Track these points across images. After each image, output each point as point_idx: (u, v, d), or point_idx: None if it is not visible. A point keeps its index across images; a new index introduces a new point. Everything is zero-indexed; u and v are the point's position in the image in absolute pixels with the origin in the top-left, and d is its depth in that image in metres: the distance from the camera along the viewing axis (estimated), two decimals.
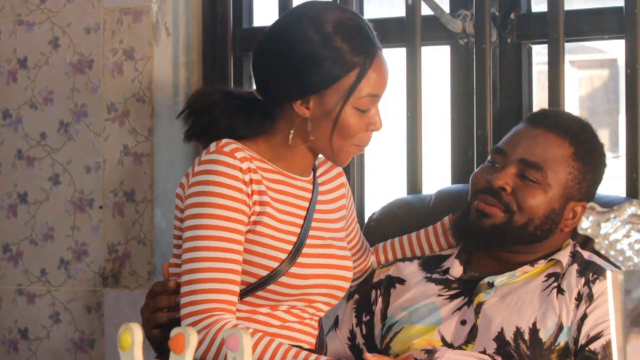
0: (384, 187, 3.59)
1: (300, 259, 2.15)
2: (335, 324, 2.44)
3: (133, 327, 1.53)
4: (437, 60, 3.03)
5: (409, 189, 2.82)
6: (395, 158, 3.06)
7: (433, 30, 2.84)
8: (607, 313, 2.16)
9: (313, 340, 2.24)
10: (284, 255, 2.13)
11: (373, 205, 2.80)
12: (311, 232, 2.20)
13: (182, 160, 3.13)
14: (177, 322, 2.10)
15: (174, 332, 1.53)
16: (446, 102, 2.88)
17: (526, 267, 2.28)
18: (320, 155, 2.25)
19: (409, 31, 2.81)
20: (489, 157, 2.34)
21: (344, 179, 2.35)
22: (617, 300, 1.20)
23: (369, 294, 2.41)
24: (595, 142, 2.32)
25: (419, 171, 2.81)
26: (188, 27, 3.14)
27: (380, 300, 2.38)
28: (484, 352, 2.18)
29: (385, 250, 2.47)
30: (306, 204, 2.21)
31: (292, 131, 2.15)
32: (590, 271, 2.22)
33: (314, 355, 2.01)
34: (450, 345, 2.21)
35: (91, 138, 3.12)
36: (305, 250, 2.17)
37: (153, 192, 3.06)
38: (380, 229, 2.54)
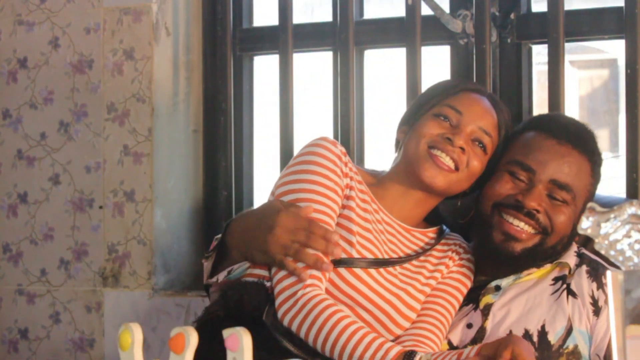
0: None
1: (358, 272, 2.14)
2: None
3: (133, 327, 1.53)
4: (437, 60, 3.02)
5: None
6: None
7: (433, 30, 2.84)
8: None
9: None
10: (355, 254, 2.14)
11: None
12: (390, 269, 2.19)
13: (182, 160, 3.13)
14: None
15: (174, 332, 1.53)
16: None
17: (531, 269, 2.28)
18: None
19: (409, 31, 2.81)
20: (507, 167, 2.26)
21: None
22: (617, 300, 1.20)
23: None
24: (600, 153, 2.30)
25: None
26: (188, 27, 3.14)
27: None
28: None
29: None
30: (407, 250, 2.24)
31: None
32: (603, 274, 2.21)
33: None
34: (456, 349, 2.21)
35: (91, 138, 3.11)
36: (372, 271, 2.15)
37: (153, 192, 3.05)
38: None
